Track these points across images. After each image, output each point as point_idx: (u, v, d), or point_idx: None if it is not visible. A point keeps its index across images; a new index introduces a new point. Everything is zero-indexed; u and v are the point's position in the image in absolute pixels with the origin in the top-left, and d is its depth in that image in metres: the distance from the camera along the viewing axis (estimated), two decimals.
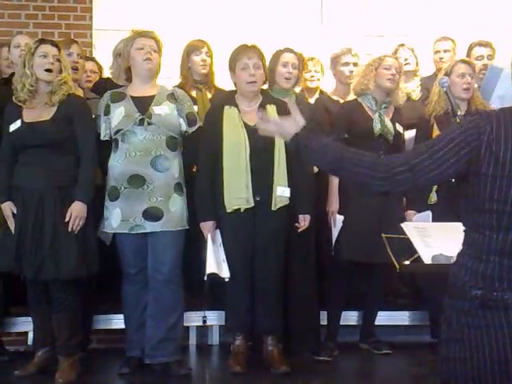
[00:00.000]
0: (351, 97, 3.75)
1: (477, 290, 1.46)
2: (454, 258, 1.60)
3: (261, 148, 3.20)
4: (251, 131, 3.22)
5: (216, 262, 3.17)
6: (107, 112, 3.21)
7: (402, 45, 4.22)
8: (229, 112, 3.26)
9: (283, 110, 3.31)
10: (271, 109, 3.29)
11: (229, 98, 3.35)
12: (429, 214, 3.17)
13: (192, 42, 3.86)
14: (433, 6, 5.07)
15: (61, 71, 3.12)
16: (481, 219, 1.47)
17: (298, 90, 3.98)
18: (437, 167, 1.48)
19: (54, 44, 3.17)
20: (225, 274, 3.19)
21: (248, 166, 3.18)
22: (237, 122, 3.24)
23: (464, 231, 1.55)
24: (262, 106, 3.29)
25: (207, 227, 3.23)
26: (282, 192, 3.22)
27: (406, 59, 4.15)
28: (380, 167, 1.53)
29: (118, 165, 3.17)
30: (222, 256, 3.22)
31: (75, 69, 3.54)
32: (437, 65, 4.27)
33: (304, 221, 3.28)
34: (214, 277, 3.18)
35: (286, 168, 3.24)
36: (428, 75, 4.30)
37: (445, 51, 4.24)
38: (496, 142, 1.44)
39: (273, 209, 3.21)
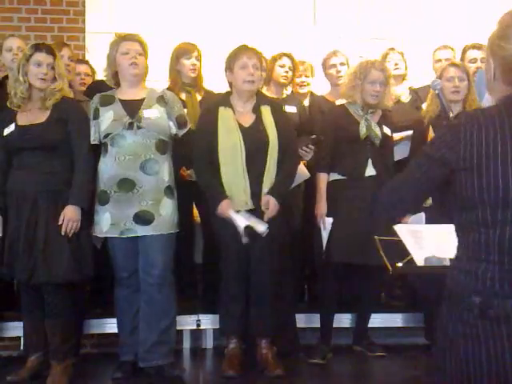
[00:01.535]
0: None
1: (476, 295, 1.39)
2: (448, 262, 1.57)
3: (255, 149, 3.20)
4: (245, 132, 3.22)
5: (246, 218, 3.07)
6: (96, 116, 3.20)
7: (392, 49, 4.25)
8: (224, 113, 3.25)
9: (277, 111, 3.33)
10: (265, 110, 3.29)
11: (224, 99, 3.34)
12: (422, 215, 3.18)
13: (182, 45, 3.84)
14: (426, 10, 5.09)
15: (55, 79, 3.10)
16: (473, 216, 1.41)
17: (288, 91, 4.01)
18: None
19: (50, 51, 3.13)
20: (261, 228, 3.07)
21: (245, 168, 3.17)
22: (232, 124, 3.23)
23: (457, 232, 1.49)
24: (257, 108, 3.29)
25: (224, 207, 3.12)
26: None
27: (396, 64, 4.18)
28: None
29: (107, 169, 3.15)
30: (253, 218, 3.09)
31: (67, 72, 3.54)
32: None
33: (267, 203, 3.15)
34: (249, 233, 3.06)
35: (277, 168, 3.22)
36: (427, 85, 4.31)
37: (446, 60, 4.24)
38: (476, 137, 1.40)
39: (263, 209, 3.19)
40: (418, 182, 1.49)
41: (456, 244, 1.50)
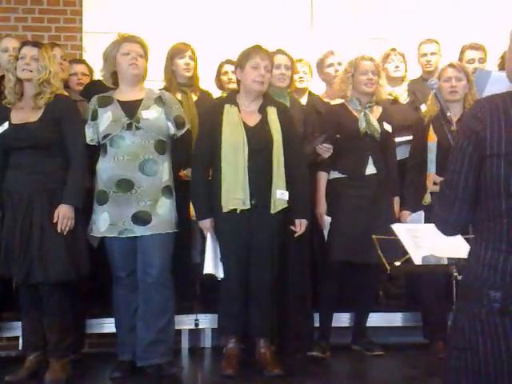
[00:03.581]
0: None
1: (496, 291, 1.36)
2: (446, 261, 1.56)
3: (259, 149, 3.20)
4: (250, 131, 3.23)
5: (213, 262, 3.18)
6: (94, 117, 3.20)
7: (394, 49, 4.24)
8: (229, 111, 3.26)
9: (283, 113, 3.34)
10: (271, 111, 3.29)
11: (230, 97, 3.35)
12: (421, 213, 3.20)
13: (176, 45, 3.85)
14: (423, 9, 5.09)
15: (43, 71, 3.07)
16: (496, 206, 1.39)
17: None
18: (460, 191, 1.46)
19: (35, 44, 3.14)
20: (220, 274, 3.20)
21: (246, 167, 3.17)
22: (236, 122, 3.24)
23: (475, 222, 1.47)
24: (263, 108, 3.29)
25: (206, 225, 3.22)
26: (281, 195, 3.21)
27: (396, 66, 4.18)
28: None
29: (106, 169, 3.15)
30: (219, 256, 3.21)
31: (61, 70, 3.56)
32: (424, 68, 4.28)
33: (300, 226, 3.27)
34: (209, 277, 3.19)
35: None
36: (415, 78, 4.32)
37: (431, 54, 4.25)
38: (497, 125, 1.38)
39: (272, 212, 3.19)
40: (465, 177, 1.44)
41: (472, 237, 1.49)
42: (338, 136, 3.50)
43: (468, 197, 1.45)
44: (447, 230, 1.55)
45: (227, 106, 3.26)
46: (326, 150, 3.46)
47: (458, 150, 1.45)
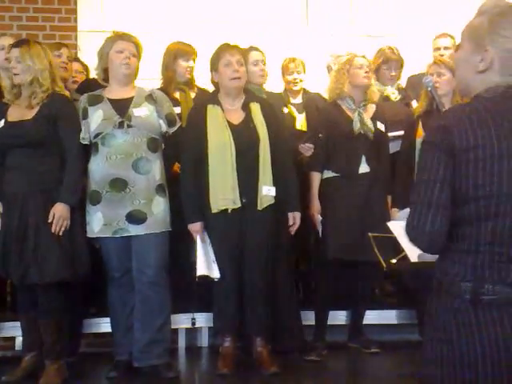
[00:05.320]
0: None
1: (467, 282, 1.39)
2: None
3: (245, 147, 3.19)
4: (235, 130, 3.22)
5: (206, 264, 3.17)
6: (85, 115, 3.18)
7: (388, 47, 4.23)
8: (212, 111, 3.25)
9: (267, 108, 3.34)
10: (255, 107, 3.29)
11: (212, 97, 3.34)
12: (408, 211, 3.20)
13: (180, 46, 3.81)
14: (418, 5, 5.10)
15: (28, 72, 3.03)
16: (465, 210, 1.40)
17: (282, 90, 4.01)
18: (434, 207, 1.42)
19: (17, 44, 3.11)
20: (215, 274, 3.19)
21: (234, 166, 3.17)
22: (221, 121, 3.23)
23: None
24: (246, 105, 3.29)
25: (195, 229, 3.22)
26: (267, 191, 3.21)
27: None
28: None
29: (98, 169, 3.14)
30: (212, 257, 3.21)
31: (65, 69, 3.58)
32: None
33: (294, 218, 3.27)
34: (205, 278, 3.18)
35: (271, 167, 3.23)
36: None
37: (445, 48, 4.23)
38: (470, 131, 1.38)
39: (259, 208, 3.19)
40: (438, 182, 1.40)
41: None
42: (320, 135, 3.52)
43: (443, 203, 1.41)
44: (423, 241, 1.48)
45: (210, 107, 3.25)
46: (307, 149, 3.50)
47: (429, 160, 1.42)
